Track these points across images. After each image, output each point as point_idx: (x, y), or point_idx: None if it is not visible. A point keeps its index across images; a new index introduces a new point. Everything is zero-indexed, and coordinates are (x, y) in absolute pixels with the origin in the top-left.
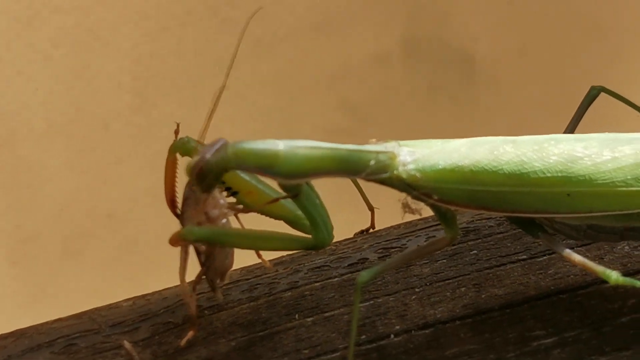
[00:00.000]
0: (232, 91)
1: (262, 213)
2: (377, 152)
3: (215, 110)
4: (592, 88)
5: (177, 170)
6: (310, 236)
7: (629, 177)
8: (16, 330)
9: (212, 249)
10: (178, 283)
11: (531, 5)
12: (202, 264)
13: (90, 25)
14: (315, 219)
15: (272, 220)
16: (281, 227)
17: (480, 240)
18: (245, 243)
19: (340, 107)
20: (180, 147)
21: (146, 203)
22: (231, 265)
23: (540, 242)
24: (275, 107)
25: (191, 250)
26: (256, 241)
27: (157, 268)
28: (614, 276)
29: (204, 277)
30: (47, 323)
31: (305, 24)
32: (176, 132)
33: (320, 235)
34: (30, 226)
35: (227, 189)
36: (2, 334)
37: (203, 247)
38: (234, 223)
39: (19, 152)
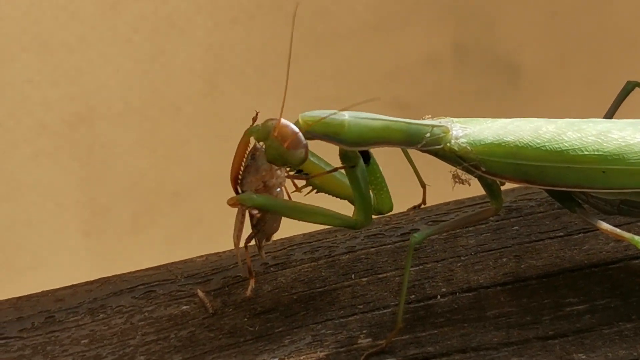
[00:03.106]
0: (294, 83)
1: (321, 189)
2: (433, 126)
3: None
4: (628, 83)
5: (247, 152)
6: (351, 216)
7: None
8: (101, 278)
9: (265, 215)
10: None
11: (574, 17)
12: (253, 227)
13: (167, 13)
14: (361, 197)
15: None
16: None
17: (521, 217)
18: (293, 214)
19: (392, 105)
20: (255, 131)
21: (209, 183)
22: (277, 229)
23: (577, 217)
24: (332, 100)
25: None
26: (303, 214)
27: (218, 245)
28: None
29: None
30: (129, 273)
31: (364, 23)
32: (254, 119)
33: (361, 216)
34: (102, 200)
35: (298, 171)
36: (88, 281)
37: (258, 214)
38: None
39: (96, 129)
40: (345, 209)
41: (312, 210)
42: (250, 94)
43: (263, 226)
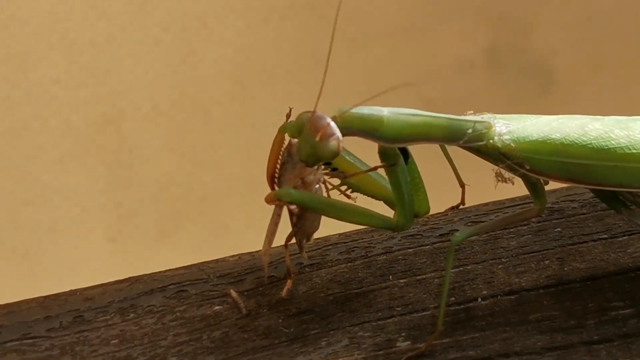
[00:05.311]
0: (326, 85)
1: (357, 189)
2: (475, 122)
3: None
4: None
5: (282, 149)
6: (392, 217)
7: None
8: (131, 277)
9: (305, 212)
10: (280, 245)
11: (609, 22)
12: (293, 225)
13: (198, 13)
14: (402, 198)
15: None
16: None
17: (564, 219)
18: (332, 212)
19: (424, 107)
20: (290, 128)
21: (238, 189)
22: (318, 228)
23: (622, 219)
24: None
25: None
26: (342, 212)
27: (247, 249)
28: None
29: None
30: (159, 272)
31: (395, 25)
32: (287, 116)
33: (402, 217)
34: (128, 204)
35: (333, 169)
36: (117, 280)
37: (296, 210)
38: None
39: (123, 132)
40: (381, 209)
41: (352, 209)
42: (280, 96)
43: (303, 224)
